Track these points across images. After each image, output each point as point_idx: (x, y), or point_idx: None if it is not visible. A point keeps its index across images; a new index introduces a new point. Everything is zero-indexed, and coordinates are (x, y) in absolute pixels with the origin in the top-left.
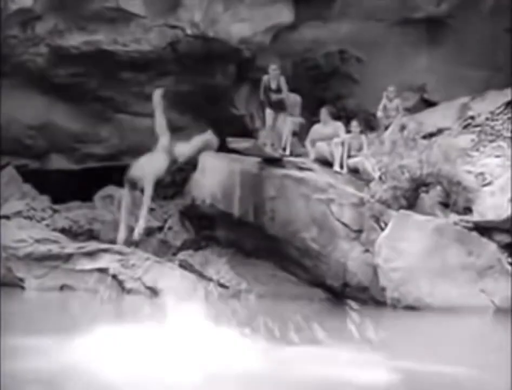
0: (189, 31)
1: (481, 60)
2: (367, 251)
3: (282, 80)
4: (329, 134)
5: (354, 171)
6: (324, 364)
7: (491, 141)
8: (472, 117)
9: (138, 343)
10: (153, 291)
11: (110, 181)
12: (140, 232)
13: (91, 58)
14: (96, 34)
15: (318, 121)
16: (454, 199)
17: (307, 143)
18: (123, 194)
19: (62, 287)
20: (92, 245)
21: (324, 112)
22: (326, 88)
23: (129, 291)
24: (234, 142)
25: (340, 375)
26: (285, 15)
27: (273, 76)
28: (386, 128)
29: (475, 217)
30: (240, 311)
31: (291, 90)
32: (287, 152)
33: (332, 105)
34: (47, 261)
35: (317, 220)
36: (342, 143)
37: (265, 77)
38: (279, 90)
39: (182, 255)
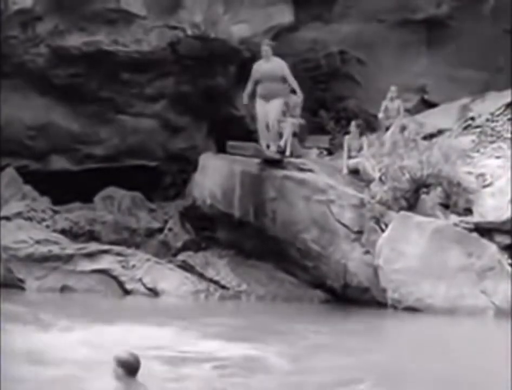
0: (189, 32)
1: (481, 62)
2: (367, 252)
3: None
4: (272, 72)
5: (355, 172)
6: None
7: (491, 142)
8: (472, 118)
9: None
10: (154, 292)
11: (110, 182)
12: None
13: (91, 59)
14: (96, 35)
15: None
16: (455, 200)
17: (249, 84)
18: None
19: (62, 289)
20: (92, 246)
21: (265, 47)
22: (327, 89)
23: (130, 292)
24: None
25: None
26: (285, 16)
27: None
28: (387, 129)
29: (475, 218)
30: None
31: (292, 91)
32: (287, 153)
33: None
34: (48, 262)
35: (318, 221)
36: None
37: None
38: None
39: (182, 256)
